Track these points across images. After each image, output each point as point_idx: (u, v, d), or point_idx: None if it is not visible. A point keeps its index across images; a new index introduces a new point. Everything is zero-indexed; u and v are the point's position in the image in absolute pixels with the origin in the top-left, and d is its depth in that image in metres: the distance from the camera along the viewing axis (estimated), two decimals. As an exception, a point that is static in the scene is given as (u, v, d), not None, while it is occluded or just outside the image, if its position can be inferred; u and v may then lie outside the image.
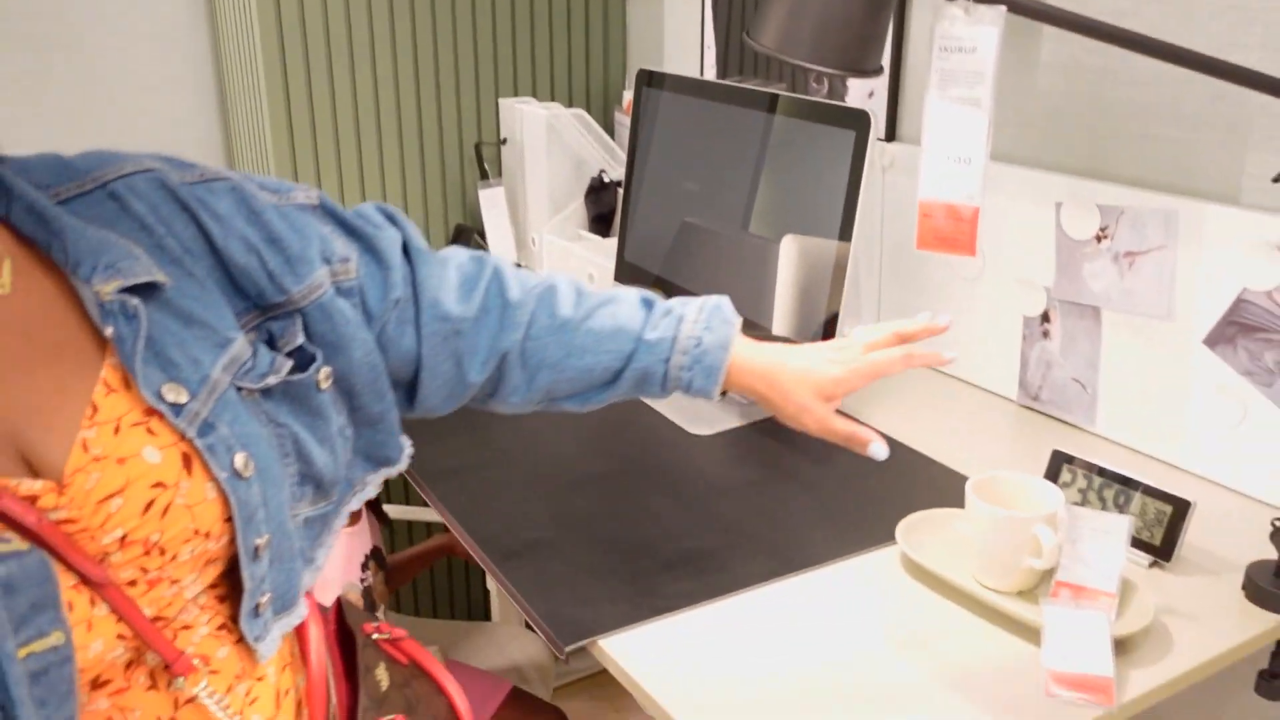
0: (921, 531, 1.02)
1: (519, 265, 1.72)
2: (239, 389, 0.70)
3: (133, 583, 0.64)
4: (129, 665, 0.65)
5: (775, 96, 1.28)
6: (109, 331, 0.64)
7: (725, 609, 0.96)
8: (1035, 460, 1.12)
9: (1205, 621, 0.93)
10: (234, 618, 0.71)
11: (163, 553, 0.64)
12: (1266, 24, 1.06)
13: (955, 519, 1.02)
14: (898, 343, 0.90)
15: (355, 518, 1.40)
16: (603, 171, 1.87)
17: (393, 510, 1.76)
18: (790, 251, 1.25)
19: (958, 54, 0.93)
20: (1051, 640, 0.86)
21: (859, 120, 1.13)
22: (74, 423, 0.62)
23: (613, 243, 1.70)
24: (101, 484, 0.62)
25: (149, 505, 0.63)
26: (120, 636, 0.63)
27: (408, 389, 0.88)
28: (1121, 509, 1.03)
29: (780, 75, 1.69)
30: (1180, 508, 0.99)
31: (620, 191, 1.75)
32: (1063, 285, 1.27)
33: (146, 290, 0.67)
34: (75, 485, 0.61)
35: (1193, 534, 1.03)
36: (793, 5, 0.90)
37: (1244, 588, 0.97)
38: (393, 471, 0.86)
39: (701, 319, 0.89)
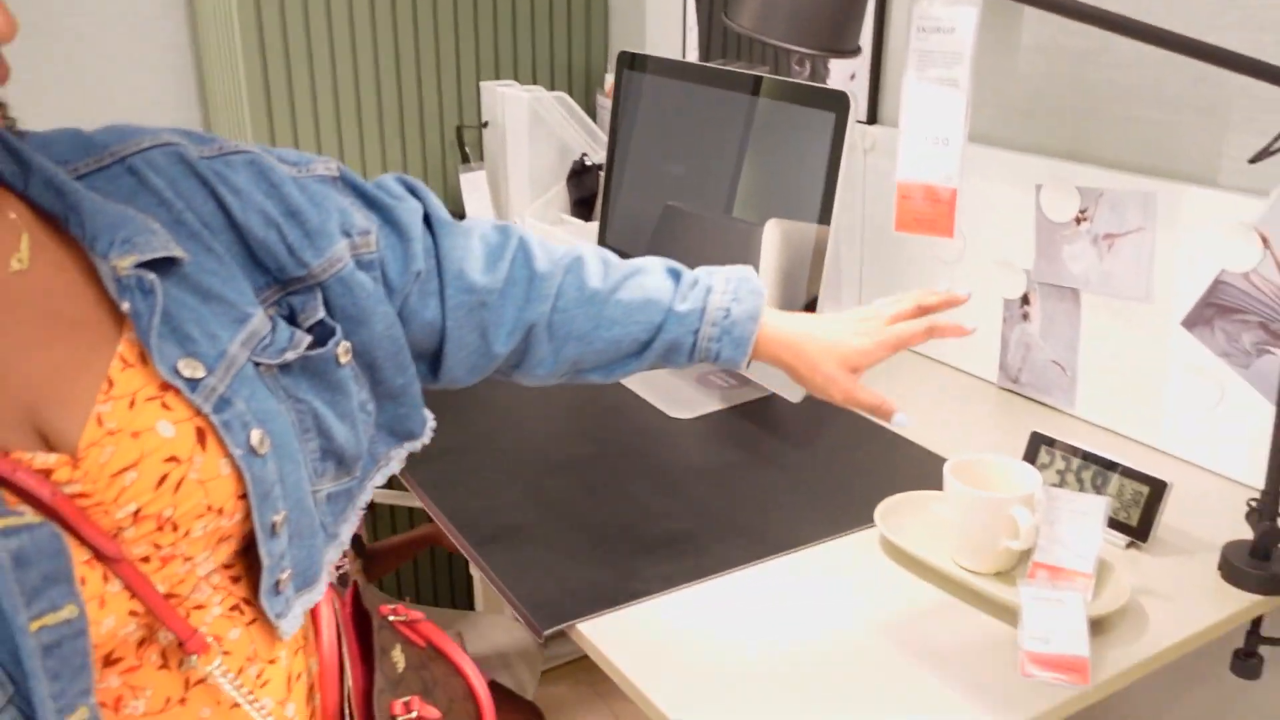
0: (900, 514, 1.03)
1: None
2: (257, 365, 0.70)
3: (146, 559, 0.64)
4: (141, 643, 0.65)
5: (757, 79, 1.27)
6: (126, 306, 0.64)
7: (704, 592, 0.96)
8: (1015, 442, 1.12)
9: (1181, 601, 0.94)
10: (247, 599, 0.71)
11: (175, 528, 0.64)
12: (1245, 6, 1.06)
13: (934, 501, 1.03)
14: (919, 314, 0.92)
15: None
16: (585, 155, 1.86)
17: (374, 494, 1.76)
18: (773, 236, 1.24)
19: (936, 34, 0.93)
20: (1028, 621, 0.86)
21: (839, 102, 1.13)
22: (89, 397, 0.62)
23: (595, 226, 1.69)
24: (116, 458, 0.62)
25: (162, 480, 0.63)
26: (133, 613, 0.63)
27: (431, 361, 0.88)
28: (1099, 490, 1.03)
29: (763, 58, 1.68)
30: (1157, 488, 1.00)
31: (602, 175, 1.74)
32: (1042, 267, 1.27)
33: (164, 265, 0.67)
34: (90, 459, 0.61)
35: (1169, 514, 1.03)
36: (771, -15, 0.90)
37: (1220, 568, 0.98)
38: (416, 445, 0.86)
39: (729, 289, 0.89)
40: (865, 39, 1.48)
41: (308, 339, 0.73)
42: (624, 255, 1.52)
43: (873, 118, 1.51)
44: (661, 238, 1.45)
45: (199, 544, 0.66)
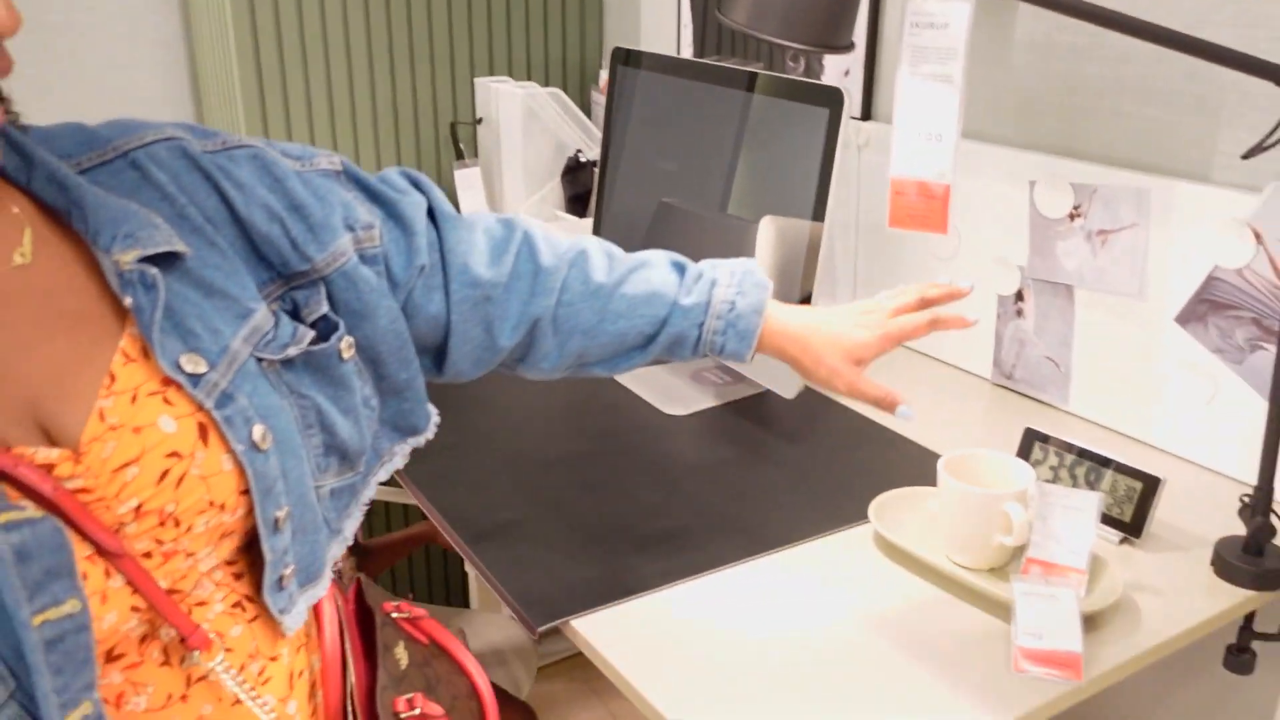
0: (894, 510, 1.03)
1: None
2: (260, 360, 0.70)
3: (148, 554, 0.64)
4: (143, 639, 0.65)
5: (751, 75, 1.27)
6: (128, 301, 0.64)
7: (699, 588, 0.96)
8: (1009, 438, 1.12)
9: (1174, 597, 0.94)
10: (249, 596, 0.71)
11: (177, 524, 0.64)
12: (1238, 1, 1.06)
13: (928, 497, 1.03)
14: (922, 307, 0.92)
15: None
16: (579, 151, 1.86)
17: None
18: (768, 232, 1.24)
19: (929, 30, 0.93)
20: (1021, 616, 0.86)
21: (832, 98, 1.13)
22: (92, 392, 0.62)
23: (589, 223, 1.69)
24: (117, 453, 0.61)
25: (164, 475, 0.63)
26: (135, 609, 0.63)
27: (436, 355, 0.87)
28: (1093, 486, 1.03)
29: (758, 54, 1.68)
30: (1150, 484, 1.00)
31: (596, 171, 1.74)
32: (1036, 264, 1.27)
33: (166, 260, 0.66)
34: (91, 454, 0.61)
35: (1163, 510, 1.04)
36: (764, -19, 0.90)
37: (1213, 563, 0.98)
38: (420, 440, 0.86)
39: (734, 282, 0.89)
40: (859, 35, 1.48)
41: (311, 334, 0.73)
42: (618, 252, 1.53)
43: (867, 114, 1.51)
44: (656, 235, 1.45)
45: (201, 539, 0.66)
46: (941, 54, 0.93)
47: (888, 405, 0.90)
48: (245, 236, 0.72)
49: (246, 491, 0.67)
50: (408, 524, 2.08)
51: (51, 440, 0.61)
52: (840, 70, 1.53)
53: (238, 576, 0.71)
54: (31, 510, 0.57)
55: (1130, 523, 1.01)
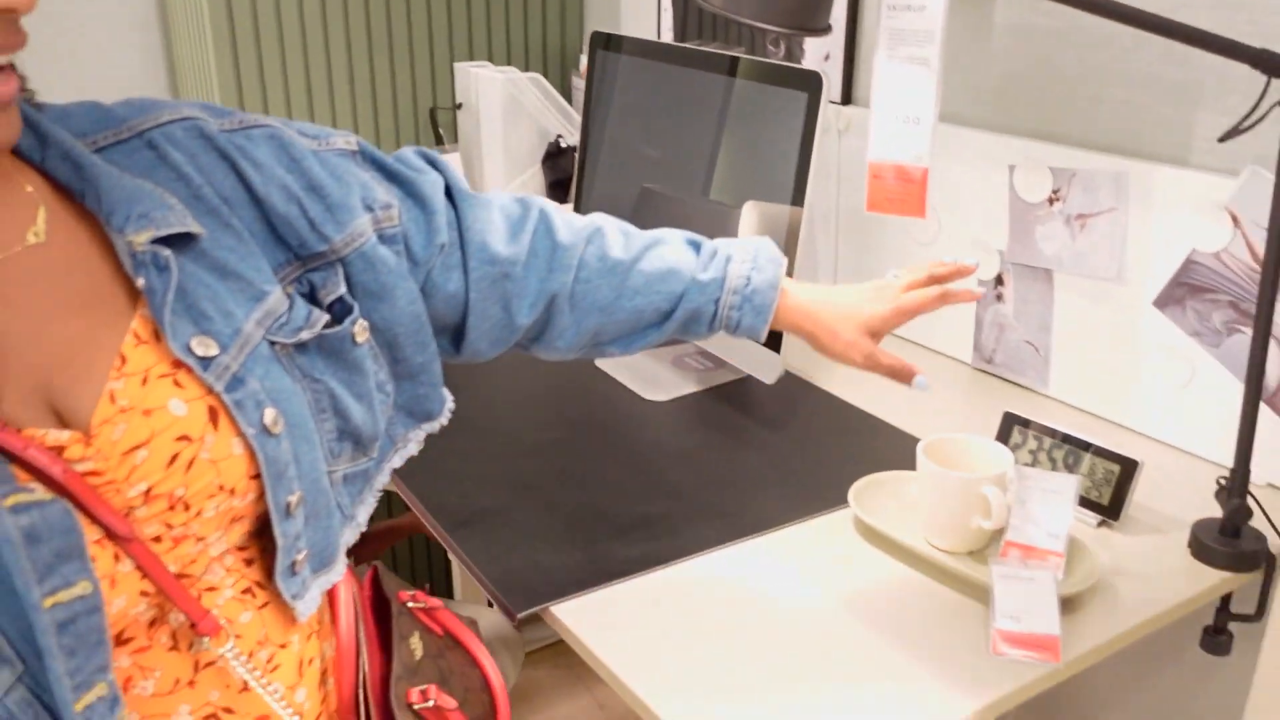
0: (874, 494, 1.03)
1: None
2: (272, 343, 0.69)
3: (157, 539, 0.63)
4: (152, 624, 0.65)
5: (732, 59, 1.26)
6: (140, 282, 0.64)
7: (679, 574, 0.95)
8: (989, 423, 1.13)
9: (1152, 579, 0.94)
10: (260, 583, 0.70)
11: (187, 508, 0.63)
12: (1216, -16, 1.06)
13: (907, 481, 1.03)
14: (932, 283, 0.93)
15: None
16: (559, 136, 1.85)
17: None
18: (750, 218, 1.24)
19: (906, 12, 0.92)
20: (999, 599, 0.86)
21: (811, 82, 1.12)
22: (103, 373, 0.62)
23: (569, 209, 1.68)
24: (127, 435, 0.61)
25: (173, 459, 0.62)
26: (144, 593, 0.63)
27: (454, 334, 0.87)
28: (1071, 469, 1.03)
29: (739, 38, 1.67)
30: (1128, 467, 1.00)
31: (577, 157, 1.73)
32: (1016, 248, 1.27)
33: (180, 241, 0.66)
34: (102, 436, 0.60)
35: (1140, 493, 1.04)
36: (742, -37, 0.89)
37: (1190, 545, 0.98)
38: (434, 426, 0.85)
39: (748, 258, 0.90)
40: (839, 19, 1.47)
41: (325, 318, 0.72)
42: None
43: (847, 98, 1.50)
44: (638, 220, 1.44)
45: (211, 524, 0.65)
46: (919, 37, 0.92)
47: (904, 376, 0.91)
48: (263, 217, 0.71)
49: (257, 476, 0.66)
50: (390, 514, 2.08)
51: (62, 422, 0.60)
52: (820, 54, 1.53)
53: (248, 562, 0.70)
54: (41, 493, 0.57)
55: (1108, 505, 1.01)
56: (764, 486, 1.10)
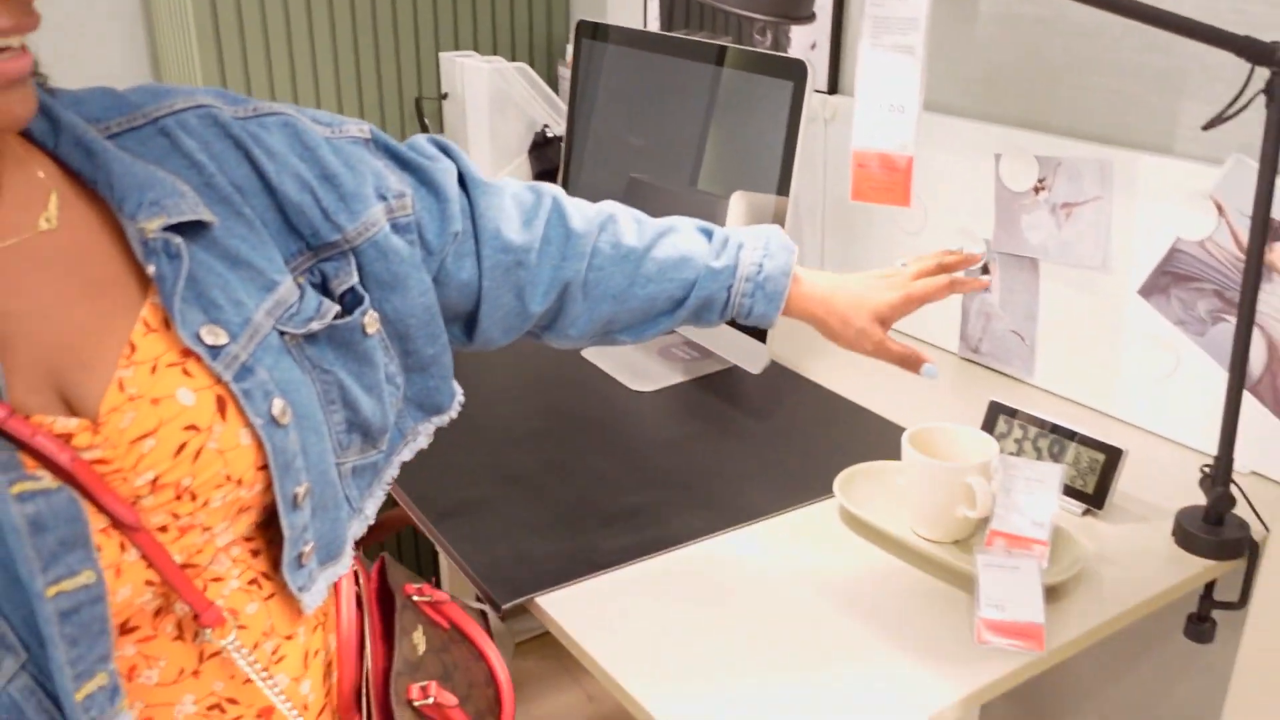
0: (859, 484, 1.03)
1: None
2: (282, 334, 0.68)
3: (164, 528, 0.63)
4: (157, 613, 0.64)
5: (718, 48, 1.26)
6: (151, 269, 0.63)
7: (665, 564, 0.95)
8: (975, 412, 1.13)
9: (1136, 567, 0.95)
10: (266, 574, 0.70)
11: (194, 498, 0.63)
12: (1201, -28, 1.05)
13: (892, 471, 1.03)
14: (939, 271, 0.94)
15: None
16: (546, 126, 1.84)
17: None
18: (738, 208, 1.23)
19: (891, 0, 0.92)
20: (984, 588, 0.87)
21: (797, 70, 1.12)
22: (112, 361, 0.61)
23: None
24: (135, 424, 0.61)
25: (181, 448, 0.62)
26: (149, 583, 0.62)
27: (466, 323, 0.87)
28: (1056, 458, 1.04)
29: (726, 27, 1.67)
30: (1112, 456, 1.00)
31: (563, 147, 1.72)
32: (1002, 237, 1.27)
33: (192, 229, 0.65)
34: (110, 424, 0.60)
35: (1125, 482, 1.04)
36: (726, -50, 0.88)
37: (1174, 533, 0.99)
38: (443, 420, 0.85)
39: (759, 245, 0.90)
40: (825, 6, 1.47)
41: (335, 308, 0.72)
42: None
43: (834, 87, 1.50)
44: (622, 210, 1.44)
45: (218, 514, 0.65)
46: (903, 24, 0.92)
47: (913, 364, 0.92)
48: (276, 206, 0.71)
49: (265, 467, 0.66)
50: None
51: (70, 409, 0.60)
52: (807, 43, 1.52)
53: (255, 553, 0.70)
54: (48, 480, 0.57)
55: (1093, 494, 1.01)
56: (750, 476, 1.09)
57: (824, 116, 1.47)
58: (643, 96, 1.39)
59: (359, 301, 0.74)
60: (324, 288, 0.73)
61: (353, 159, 0.75)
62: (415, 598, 0.88)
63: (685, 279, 0.89)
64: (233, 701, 0.68)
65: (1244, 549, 0.96)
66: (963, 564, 0.91)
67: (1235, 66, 0.90)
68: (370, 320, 0.74)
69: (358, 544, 0.77)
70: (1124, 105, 1.16)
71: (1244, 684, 0.63)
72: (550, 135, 1.83)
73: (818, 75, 1.51)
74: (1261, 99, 0.89)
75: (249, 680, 0.68)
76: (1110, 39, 1.15)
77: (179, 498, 0.63)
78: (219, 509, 0.65)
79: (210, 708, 0.67)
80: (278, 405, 0.66)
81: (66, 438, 0.58)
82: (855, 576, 0.93)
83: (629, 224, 0.90)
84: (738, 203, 1.24)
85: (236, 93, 0.74)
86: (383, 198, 0.76)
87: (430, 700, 0.79)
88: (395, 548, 2.18)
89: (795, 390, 1.29)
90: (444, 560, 1.97)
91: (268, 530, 0.71)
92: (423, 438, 0.84)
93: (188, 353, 0.64)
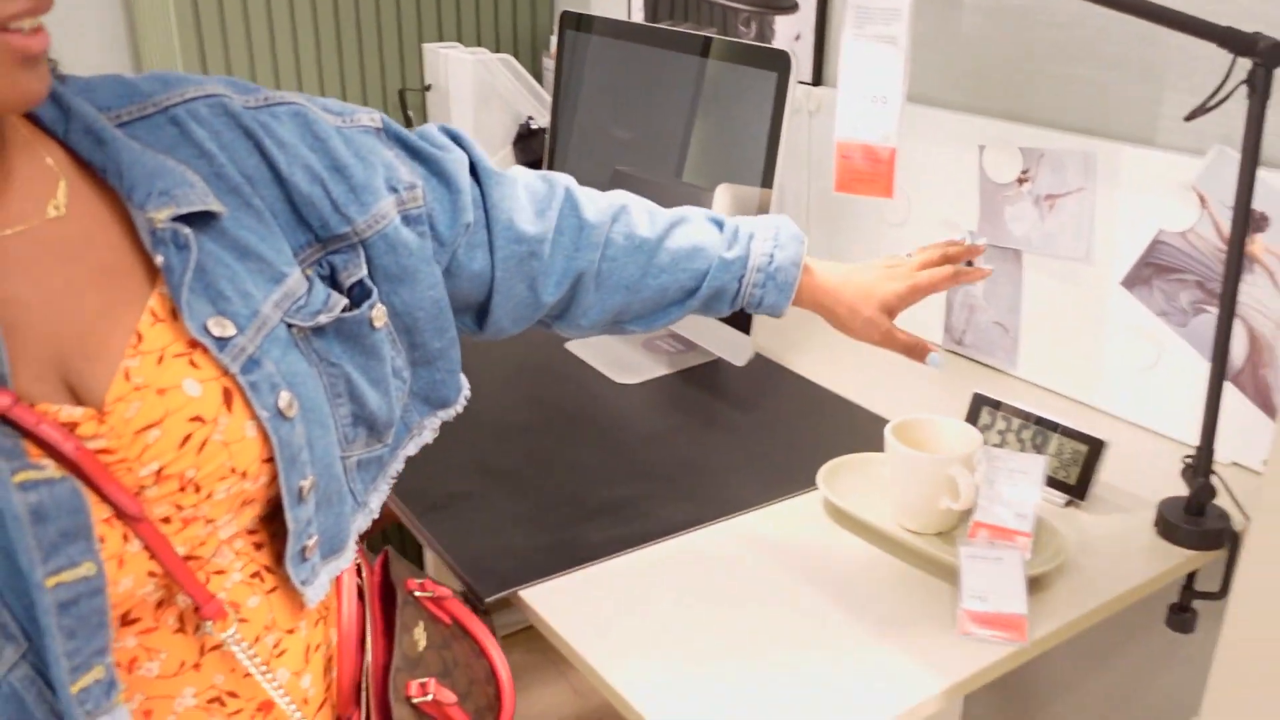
0: (843, 476, 1.03)
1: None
2: (290, 326, 0.68)
3: (167, 520, 0.63)
4: (159, 605, 0.64)
5: (702, 39, 1.25)
6: (159, 260, 0.63)
7: (648, 557, 0.95)
8: (959, 404, 1.13)
9: (1118, 558, 0.95)
10: (269, 567, 0.70)
11: (198, 489, 0.63)
12: (1184, -37, 1.05)
13: (876, 463, 1.03)
14: (944, 261, 0.94)
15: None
16: (530, 118, 1.83)
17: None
18: (724, 200, 1.23)
19: (874, -10, 0.92)
20: (967, 580, 0.87)
21: (780, 61, 1.12)
22: (118, 350, 0.61)
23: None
24: (141, 414, 0.60)
25: (186, 439, 0.62)
26: (151, 574, 0.62)
27: (478, 313, 0.87)
28: (1039, 449, 1.04)
29: (710, 18, 1.66)
30: (1095, 447, 1.01)
31: (547, 139, 1.71)
32: (986, 229, 1.27)
33: (201, 219, 0.65)
34: (115, 414, 0.60)
35: (1107, 473, 1.05)
36: (708, -60, 0.88)
37: (1156, 524, 0.99)
38: (449, 414, 0.85)
39: (770, 235, 0.90)
40: (810, -1, 1.46)
41: (343, 301, 0.72)
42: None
43: (818, 79, 1.50)
44: (607, 202, 1.43)
45: (221, 507, 0.65)
46: (886, 14, 0.92)
47: (919, 353, 0.92)
48: (286, 197, 0.70)
49: (270, 460, 0.65)
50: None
51: (76, 398, 0.60)
52: (791, 34, 1.52)
53: (258, 546, 0.70)
54: (51, 470, 0.56)
55: (1075, 485, 1.02)
56: (734, 469, 1.09)
57: (808, 108, 1.47)
58: (627, 88, 1.38)
59: (367, 294, 0.73)
60: (332, 280, 0.73)
61: (364, 150, 0.75)
62: (417, 593, 0.88)
63: (698, 269, 0.89)
64: (233, 695, 0.68)
65: (1225, 539, 0.97)
66: (946, 555, 0.91)
67: (1216, 56, 0.90)
68: (378, 314, 0.74)
69: (361, 538, 0.77)
70: (1107, 96, 1.16)
71: (1224, 673, 0.63)
72: (535, 127, 1.82)
73: (802, 67, 1.50)
74: (1243, 90, 0.89)
75: (249, 674, 0.68)
76: (1093, 30, 1.15)
77: (183, 489, 0.62)
78: (223, 501, 0.65)
79: (210, 701, 0.67)
80: (284, 398, 0.66)
81: (71, 427, 0.58)
82: (839, 569, 0.93)
83: (642, 214, 0.90)
84: (722, 195, 1.23)
85: (247, 81, 0.74)
86: (394, 190, 0.76)
87: (429, 697, 0.79)
88: (380, 543, 2.17)
89: (779, 383, 1.29)
90: (428, 553, 1.96)
91: (271, 523, 0.70)
92: (428, 432, 0.84)
93: (195, 344, 0.63)
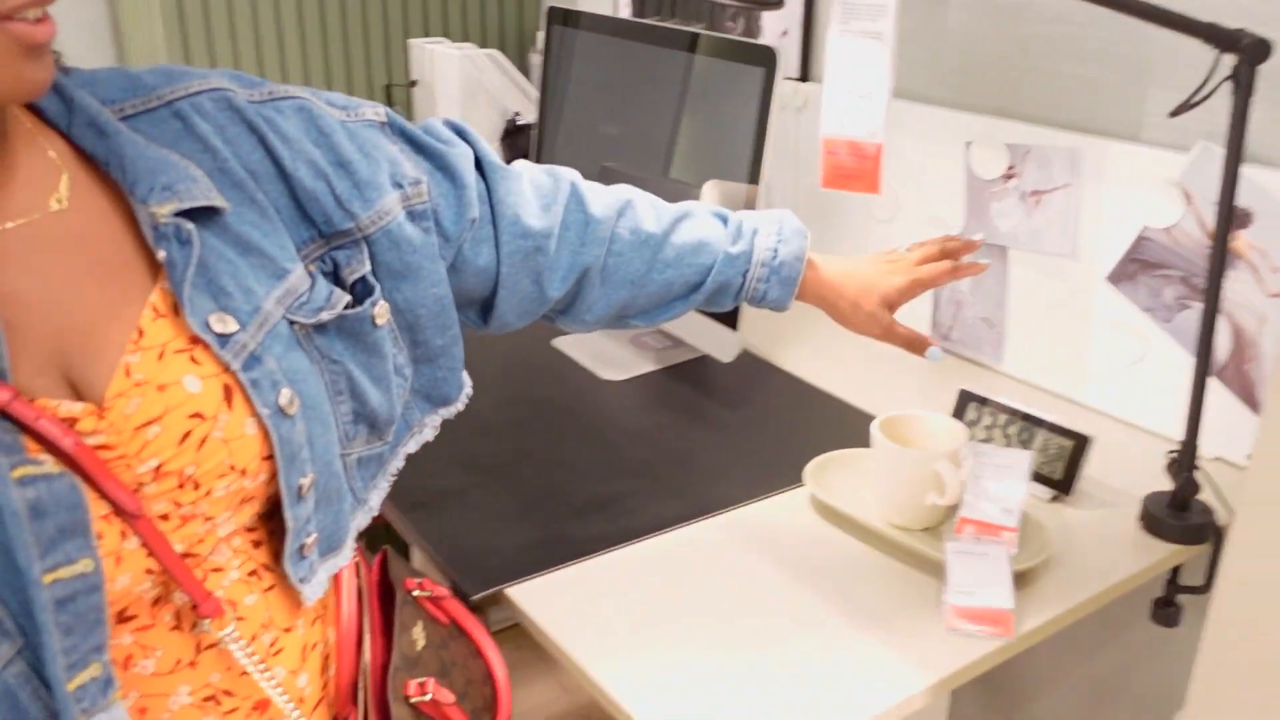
0: (830, 472, 1.03)
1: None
2: (291, 323, 0.68)
3: (165, 517, 0.62)
4: (155, 602, 0.64)
5: (689, 35, 1.25)
6: (161, 255, 0.62)
7: (635, 553, 0.95)
8: (946, 400, 1.13)
9: (1103, 553, 0.95)
10: (267, 565, 0.69)
11: (197, 487, 0.62)
12: (1169, -40, 1.06)
13: (863, 459, 1.03)
14: (943, 256, 0.95)
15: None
16: (517, 114, 1.83)
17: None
18: (711, 197, 1.23)
19: (860, -14, 0.92)
20: (953, 575, 0.87)
21: (766, 57, 1.12)
22: (119, 346, 0.61)
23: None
24: (140, 410, 0.60)
25: (185, 436, 0.61)
26: (149, 571, 0.61)
27: (482, 307, 0.86)
28: (1025, 445, 1.04)
29: (697, 14, 1.66)
30: (1080, 443, 1.01)
31: (534, 135, 1.71)
32: (972, 225, 1.27)
33: (204, 215, 0.65)
34: (115, 410, 0.59)
35: (1093, 467, 1.05)
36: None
37: (1141, 519, 0.99)
38: (450, 412, 0.84)
39: (773, 230, 0.90)
40: (797, -5, 1.46)
41: (346, 298, 0.71)
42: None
43: (805, 75, 1.50)
44: (594, 198, 1.43)
45: (220, 504, 0.64)
46: (872, 10, 0.92)
47: (919, 347, 0.93)
48: (290, 193, 0.70)
49: (270, 457, 0.65)
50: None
51: (76, 394, 0.59)
52: (779, 30, 1.52)
53: (256, 544, 0.69)
54: (50, 465, 0.56)
55: (1061, 480, 1.02)
56: (721, 465, 1.09)
57: (795, 104, 1.47)
58: (614, 84, 1.38)
59: (370, 291, 0.73)
60: (335, 276, 0.72)
61: (368, 145, 0.74)
62: (416, 592, 0.87)
63: (703, 264, 0.89)
64: (228, 694, 0.67)
65: (1209, 534, 0.97)
66: (932, 551, 0.91)
67: (1201, 53, 0.91)
68: (380, 311, 0.74)
69: (359, 536, 0.77)
70: (1092, 92, 1.16)
71: (1209, 666, 0.64)
72: (521, 123, 1.82)
73: (789, 63, 1.50)
74: (1227, 86, 0.90)
75: (246, 672, 0.67)
76: (1079, 26, 1.15)
77: (182, 486, 0.62)
78: (222, 499, 0.64)
79: (206, 699, 0.66)
80: (285, 395, 0.65)
81: (71, 422, 0.58)
82: (826, 565, 0.94)
83: (647, 209, 0.90)
84: (710, 191, 1.23)
85: (251, 75, 0.73)
86: (398, 185, 0.75)
87: (428, 697, 0.79)
88: (367, 540, 2.17)
89: (766, 379, 1.29)
90: (416, 553, 1.96)
91: (270, 521, 0.70)
92: (429, 429, 0.83)
93: (196, 340, 0.63)
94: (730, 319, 1.22)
